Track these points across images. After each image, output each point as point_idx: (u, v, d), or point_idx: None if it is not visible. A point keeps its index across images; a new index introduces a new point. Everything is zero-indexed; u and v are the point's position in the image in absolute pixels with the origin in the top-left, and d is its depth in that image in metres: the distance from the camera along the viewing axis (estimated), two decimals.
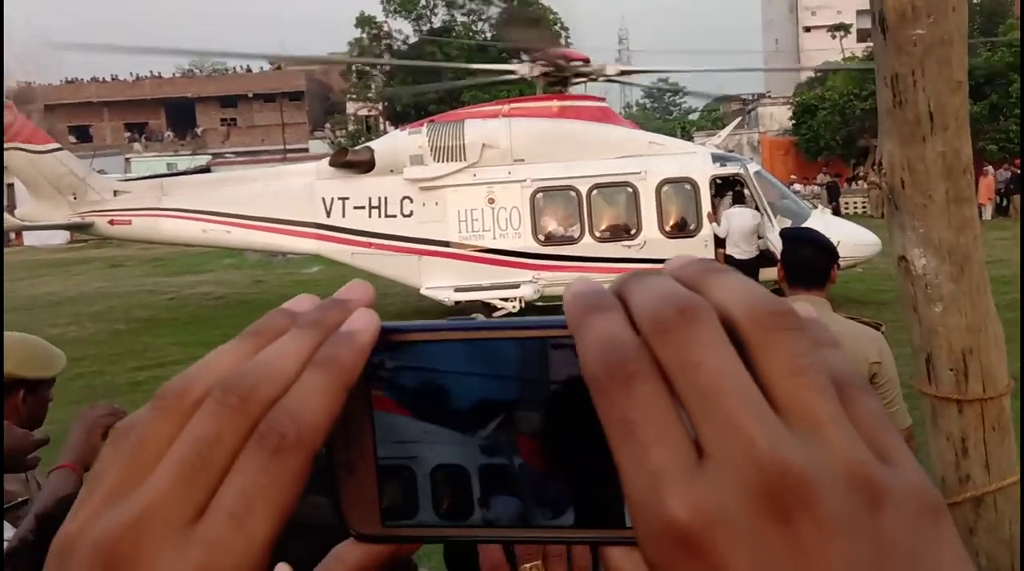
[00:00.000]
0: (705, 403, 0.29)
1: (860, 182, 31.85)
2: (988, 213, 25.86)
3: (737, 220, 11.86)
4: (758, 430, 0.28)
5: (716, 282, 0.32)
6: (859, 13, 49.01)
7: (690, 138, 40.30)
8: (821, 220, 12.77)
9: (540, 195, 12.61)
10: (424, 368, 0.36)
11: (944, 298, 1.38)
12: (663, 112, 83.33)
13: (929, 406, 1.46)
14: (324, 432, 0.33)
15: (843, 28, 43.56)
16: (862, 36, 48.06)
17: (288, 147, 48.15)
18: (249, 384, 0.33)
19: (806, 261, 3.07)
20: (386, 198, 12.73)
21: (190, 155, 48.35)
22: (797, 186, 30.02)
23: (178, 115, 57.09)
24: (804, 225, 12.41)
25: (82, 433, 1.97)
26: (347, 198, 12.77)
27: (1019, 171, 26.24)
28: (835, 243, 11.48)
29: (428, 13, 43.17)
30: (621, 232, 12.61)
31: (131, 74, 57.75)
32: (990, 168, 27.41)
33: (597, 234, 12.59)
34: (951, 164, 1.33)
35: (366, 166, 12.77)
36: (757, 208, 12.33)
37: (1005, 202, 26.18)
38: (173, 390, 0.34)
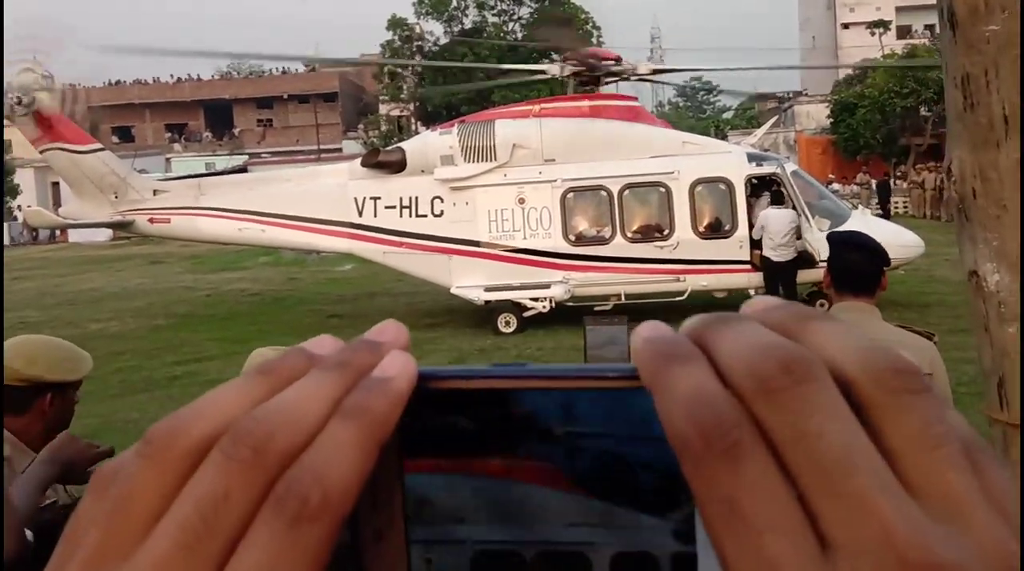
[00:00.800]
0: (829, 482, 0.24)
1: (900, 181, 31.34)
2: None
3: (774, 221, 11.72)
4: (896, 516, 0.24)
5: (818, 331, 0.28)
6: (899, 10, 48.32)
7: (724, 137, 39.94)
8: (862, 221, 12.49)
9: (571, 195, 12.56)
10: (467, 422, 0.31)
11: (1020, 318, 1.29)
12: (696, 111, 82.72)
13: (1001, 433, 1.36)
14: (353, 497, 0.27)
15: (882, 24, 42.91)
16: (901, 33, 47.36)
17: (322, 147, 48.60)
18: (264, 433, 0.27)
19: (854, 266, 2.94)
20: (417, 198, 12.76)
21: (228, 155, 49.03)
22: (836, 185, 29.56)
23: (216, 116, 57.99)
24: (844, 226, 12.23)
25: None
26: (379, 198, 12.85)
27: None
28: None
29: (459, 14, 43.25)
30: (653, 232, 12.52)
31: (171, 76, 58.75)
32: None
33: (629, 234, 12.51)
34: None
35: (397, 166, 12.84)
36: (794, 208, 12.17)
37: None
38: (162, 434, 0.28)
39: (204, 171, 28.01)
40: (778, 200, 12.15)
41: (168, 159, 49.49)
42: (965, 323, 10.59)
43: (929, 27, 47.33)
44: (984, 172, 1.24)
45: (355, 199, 12.94)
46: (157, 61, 66.12)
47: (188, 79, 58.60)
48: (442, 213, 12.73)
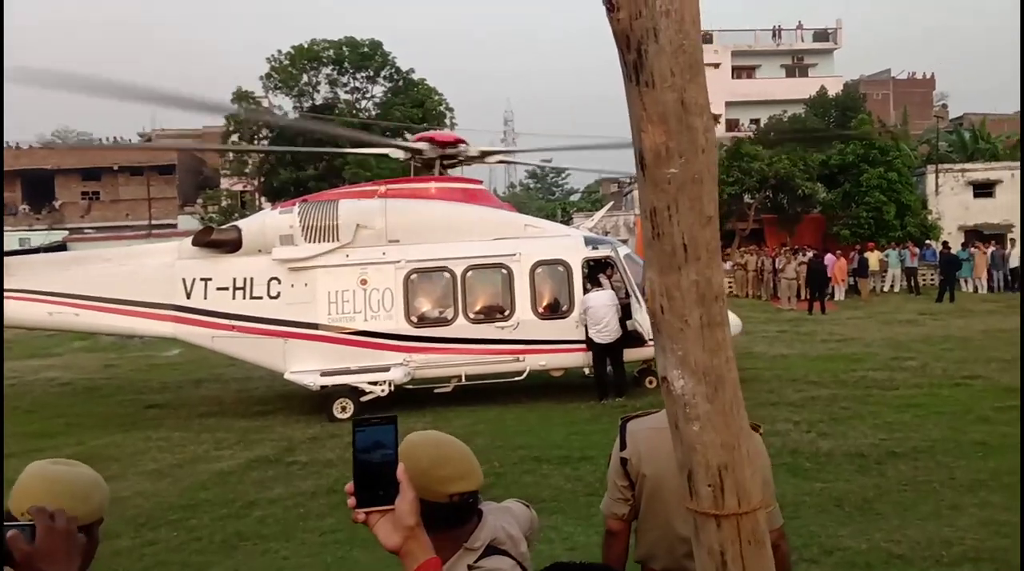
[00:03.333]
0: None
1: (726, 263, 33.30)
2: (841, 293, 27.39)
3: (594, 304, 12.08)
4: None
5: None
6: (728, 104, 52.33)
7: (570, 218, 41.38)
8: None
9: (414, 276, 12.48)
10: None
11: (701, 417, 1.45)
12: (546, 193, 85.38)
13: (692, 521, 1.51)
14: None
15: (713, 118, 46.05)
16: (730, 126, 51.19)
17: (155, 223, 46.31)
18: None
19: None
20: (252, 279, 12.29)
21: (46, 230, 45.69)
22: None
23: (35, 187, 54.07)
24: None
25: None
26: (210, 278, 12.24)
27: (862, 254, 28.06)
28: None
29: (310, 90, 42.97)
30: (495, 313, 12.58)
31: None
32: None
33: (471, 315, 12.52)
34: (704, 292, 1.42)
35: (232, 245, 12.33)
36: (627, 290, 12.62)
37: (854, 281, 27.78)
38: None
39: (18, 247, 25.90)
40: (598, 282, 12.55)
41: None
42: (776, 397, 11.10)
43: (755, 121, 51.43)
44: (669, 292, 1.42)
45: (183, 280, 12.27)
46: None
47: (6, 147, 54.70)
48: (279, 294, 12.31)
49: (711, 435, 1.45)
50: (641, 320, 12.20)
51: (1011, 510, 6.63)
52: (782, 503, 6.95)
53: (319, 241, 12.24)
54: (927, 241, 32.20)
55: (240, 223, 13.38)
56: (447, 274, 12.51)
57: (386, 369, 12.10)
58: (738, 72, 56.88)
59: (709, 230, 1.43)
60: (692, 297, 1.41)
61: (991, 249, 29.44)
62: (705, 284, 1.42)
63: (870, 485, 7.56)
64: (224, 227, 13.65)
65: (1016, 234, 32.11)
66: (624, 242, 24.48)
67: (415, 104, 40.88)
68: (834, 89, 48.92)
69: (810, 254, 27.78)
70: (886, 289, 29.23)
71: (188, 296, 12.25)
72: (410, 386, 12.40)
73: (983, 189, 36.17)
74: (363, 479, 1.53)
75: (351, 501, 1.53)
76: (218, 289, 12.25)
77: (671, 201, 1.39)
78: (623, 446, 2.88)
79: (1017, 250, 28.89)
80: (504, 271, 12.55)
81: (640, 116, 1.41)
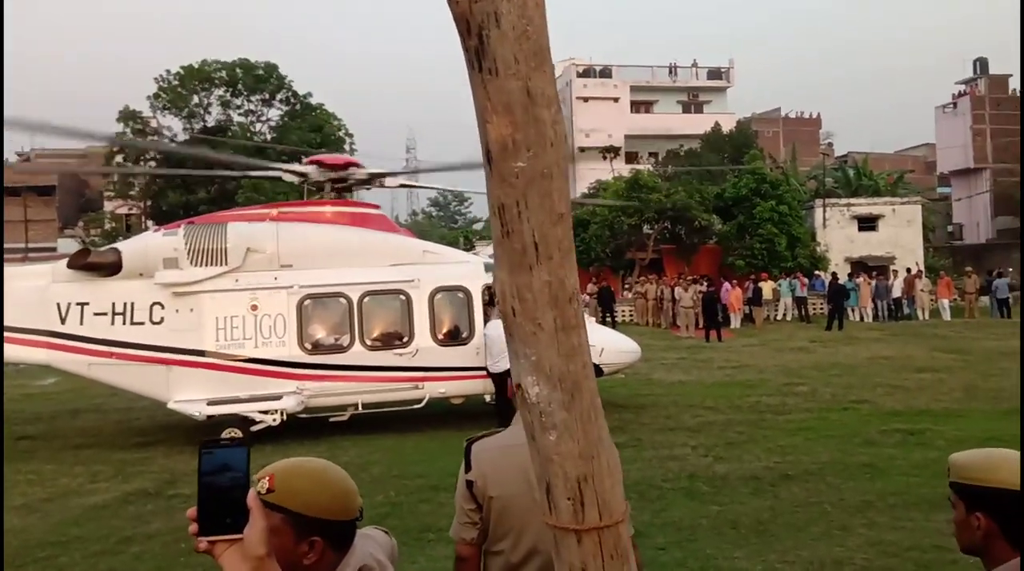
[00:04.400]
0: None
1: (627, 292, 33.82)
2: (737, 321, 28.19)
3: (491, 333, 11.90)
4: None
5: None
6: (627, 138, 53.61)
7: (472, 246, 41.33)
8: (588, 328, 13.10)
9: (308, 302, 12.12)
10: None
11: (558, 426, 1.38)
12: (448, 221, 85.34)
13: (552, 536, 1.43)
14: None
15: (613, 150, 47.07)
16: (629, 158, 52.40)
17: (31, 246, 43.85)
18: None
19: None
20: (133, 303, 11.71)
21: None
22: None
23: None
24: None
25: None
26: (87, 303, 11.59)
27: (756, 284, 29.02)
28: (600, 351, 11.71)
29: (201, 111, 41.79)
30: (393, 340, 12.32)
31: None
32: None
33: (368, 342, 12.23)
34: (557, 293, 1.36)
35: (111, 269, 11.72)
36: None
37: (749, 309, 28.64)
38: None
39: None
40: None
41: None
42: (674, 422, 11.14)
43: (653, 154, 52.79)
44: (521, 293, 1.35)
45: (57, 305, 11.56)
46: None
47: None
48: (162, 320, 11.76)
49: (569, 445, 1.39)
50: None
51: (897, 530, 6.85)
52: (680, 526, 7.08)
53: (206, 265, 11.78)
54: (816, 272, 33.59)
55: (120, 245, 12.71)
56: (343, 300, 12.20)
57: (278, 397, 11.69)
58: (636, 106, 58.52)
59: (561, 228, 1.37)
60: (545, 299, 1.36)
61: (875, 281, 30.86)
62: (558, 285, 1.37)
63: (764, 507, 7.69)
64: (102, 249, 12.98)
65: (899, 266, 33.94)
66: None
67: (313, 129, 40.30)
68: (728, 125, 50.90)
69: (706, 284, 28.57)
70: (779, 317, 30.30)
71: (63, 321, 11.55)
72: (304, 415, 11.98)
73: (867, 223, 38.12)
74: (208, 504, 1.38)
75: (193, 527, 1.37)
76: (95, 314, 11.59)
77: (520, 197, 1.33)
78: (468, 468, 2.84)
79: (899, 281, 30.49)
80: (402, 297, 12.33)
81: (484, 106, 1.33)
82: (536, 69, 1.32)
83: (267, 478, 1.84)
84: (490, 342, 11.90)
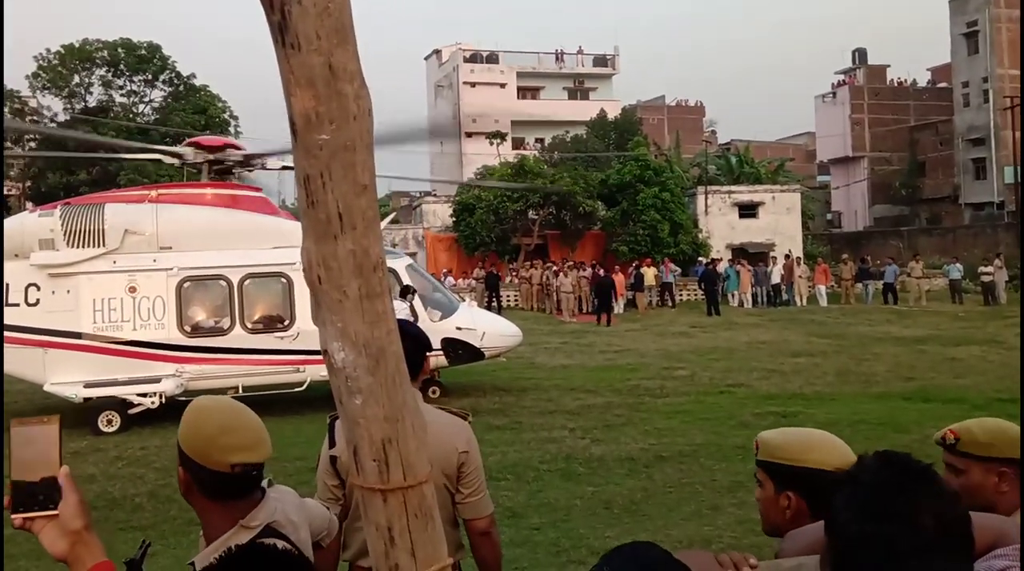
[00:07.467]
0: None
1: (512, 277, 34.17)
2: (620, 307, 28.94)
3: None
4: None
5: None
6: (514, 124, 54.03)
7: None
8: (469, 313, 13.46)
9: (188, 284, 12.01)
10: None
11: (363, 390, 1.43)
12: None
13: (360, 497, 1.48)
14: None
15: (499, 136, 47.51)
16: (516, 144, 52.84)
17: None
18: None
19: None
20: (8, 285, 11.31)
21: None
22: (451, 280, 31.47)
23: None
24: (453, 317, 13.02)
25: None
26: None
27: (639, 270, 29.84)
28: (481, 334, 12.03)
29: (82, 91, 40.05)
30: (274, 323, 12.31)
31: None
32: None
33: (249, 325, 12.19)
34: (361, 262, 1.40)
35: None
36: (411, 304, 12.70)
37: (632, 295, 29.44)
38: None
39: None
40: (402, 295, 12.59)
41: None
42: (555, 405, 11.48)
43: (540, 140, 53.47)
44: (327, 261, 1.39)
45: None
46: None
47: None
48: (38, 302, 11.54)
49: (374, 408, 1.44)
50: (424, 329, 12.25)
51: None
52: (555, 507, 7.28)
53: (83, 246, 11.61)
54: (699, 258, 34.59)
55: None
56: (223, 282, 12.11)
57: (157, 380, 11.57)
58: (523, 93, 58.99)
59: (365, 199, 1.41)
60: (349, 267, 1.40)
61: (755, 267, 31.68)
62: (363, 254, 1.41)
63: (638, 488, 7.89)
64: None
65: (778, 253, 35.42)
66: (413, 256, 24.73)
67: (197, 110, 39.22)
68: (613, 112, 51.88)
69: (589, 269, 29.16)
70: (654, 303, 30.93)
71: None
72: (183, 398, 11.81)
73: (748, 210, 39.34)
74: (20, 482, 1.42)
75: (7, 502, 1.42)
76: None
77: (323, 168, 1.38)
78: (332, 443, 2.87)
79: (778, 268, 31.67)
80: (284, 280, 12.29)
81: (288, 80, 1.40)
82: (338, 45, 1.37)
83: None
84: None
